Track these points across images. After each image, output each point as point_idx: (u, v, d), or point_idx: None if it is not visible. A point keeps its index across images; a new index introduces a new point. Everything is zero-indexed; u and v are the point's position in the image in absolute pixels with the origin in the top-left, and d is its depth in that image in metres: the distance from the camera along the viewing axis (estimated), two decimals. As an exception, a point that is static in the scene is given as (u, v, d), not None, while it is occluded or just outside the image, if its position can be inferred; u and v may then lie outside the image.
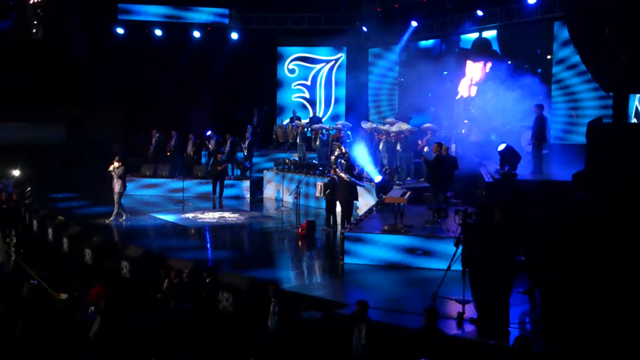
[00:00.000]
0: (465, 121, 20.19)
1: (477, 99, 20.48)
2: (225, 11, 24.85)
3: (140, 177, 21.34)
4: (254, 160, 22.57)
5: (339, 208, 15.07)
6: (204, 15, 24.90)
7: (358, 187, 14.94)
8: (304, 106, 25.84)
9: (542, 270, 8.58)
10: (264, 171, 21.55)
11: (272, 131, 23.99)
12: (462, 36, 21.63)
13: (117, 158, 16.91)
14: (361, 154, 16.30)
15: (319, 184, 18.12)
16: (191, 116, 25.97)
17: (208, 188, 20.35)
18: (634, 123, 13.42)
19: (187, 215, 17.54)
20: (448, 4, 20.35)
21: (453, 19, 21.01)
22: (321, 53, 25.96)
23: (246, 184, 21.01)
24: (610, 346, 7.67)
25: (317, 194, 18.25)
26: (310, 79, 26.07)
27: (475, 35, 21.20)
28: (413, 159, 17.53)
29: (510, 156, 14.15)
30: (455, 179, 14.39)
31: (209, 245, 14.71)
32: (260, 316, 9.32)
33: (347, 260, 12.15)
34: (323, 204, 16.05)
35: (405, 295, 10.58)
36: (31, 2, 25.22)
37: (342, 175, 14.63)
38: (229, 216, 17.57)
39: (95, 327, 9.30)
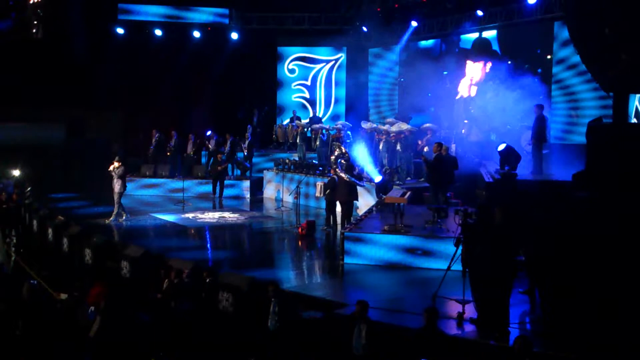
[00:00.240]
0: (465, 121, 20.20)
1: (477, 99, 20.47)
2: (225, 11, 24.85)
3: (140, 177, 21.35)
4: (254, 160, 22.58)
5: (339, 208, 15.07)
6: (204, 15, 24.90)
7: (358, 187, 14.94)
8: (304, 106, 25.85)
9: (543, 270, 8.57)
10: (264, 171, 21.56)
11: (272, 131, 23.99)
12: (462, 36, 21.63)
13: (117, 158, 16.92)
14: (361, 154, 16.30)
15: (319, 184, 18.13)
16: (191, 116, 25.97)
17: (208, 188, 20.35)
18: (634, 123, 13.42)
19: (187, 215, 17.54)
20: (448, 4, 20.35)
21: (453, 19, 21.01)
22: (321, 53, 25.96)
23: (246, 184, 21.01)
24: (610, 346, 7.68)
25: (317, 194, 18.26)
26: (310, 79, 26.08)
27: (475, 35, 21.21)
28: (413, 159, 17.52)
29: (510, 156, 14.15)
30: (456, 179, 14.39)
31: (209, 245, 14.71)
32: (260, 316, 9.32)
33: (347, 260, 12.15)
34: (323, 204, 16.06)
35: (405, 295, 10.58)
36: (31, 2, 25.22)
37: (342, 175, 14.63)
38: (229, 216, 17.57)
39: (95, 327, 9.30)
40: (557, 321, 8.25)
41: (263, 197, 20.96)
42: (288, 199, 18.67)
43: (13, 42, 25.51)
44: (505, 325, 8.24)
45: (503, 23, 19.54)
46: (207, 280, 10.47)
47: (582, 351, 7.52)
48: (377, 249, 12.12)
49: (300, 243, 14.47)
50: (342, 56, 25.91)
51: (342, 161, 14.91)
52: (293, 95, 26.19)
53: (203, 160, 22.51)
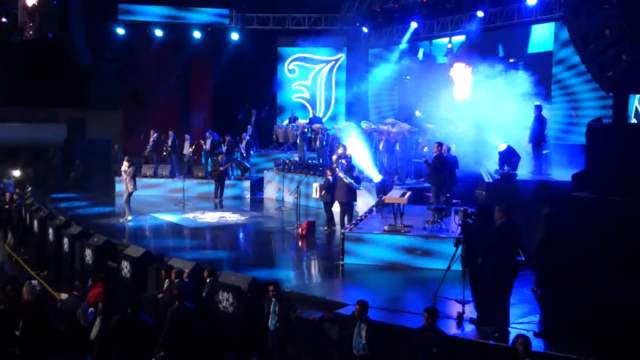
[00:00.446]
0: (465, 121, 20.18)
1: (477, 98, 20.46)
2: (226, 11, 24.89)
3: (141, 177, 21.30)
4: (254, 160, 22.61)
5: (338, 208, 15.07)
6: (204, 15, 24.93)
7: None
8: (304, 106, 25.86)
9: (542, 270, 8.58)
10: (264, 171, 21.57)
11: (272, 131, 24.01)
12: (462, 36, 21.63)
13: (126, 158, 16.98)
14: (361, 154, 16.30)
15: (315, 184, 18.12)
16: (191, 116, 26.01)
17: (208, 188, 20.37)
18: (634, 123, 13.43)
19: (187, 215, 17.55)
20: (448, 4, 20.37)
21: (453, 19, 21.03)
22: (321, 53, 25.98)
23: (246, 184, 21.02)
24: (610, 346, 7.68)
25: (314, 195, 18.26)
26: (310, 79, 26.10)
27: (475, 35, 21.19)
28: (413, 159, 17.52)
29: (510, 156, 14.17)
30: (457, 179, 14.40)
31: (209, 245, 14.70)
32: (261, 316, 9.32)
33: (347, 260, 12.16)
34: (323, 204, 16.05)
35: (405, 295, 10.59)
36: (31, 2, 25.24)
37: (341, 175, 14.63)
38: (229, 216, 17.57)
39: (96, 327, 9.30)
40: (557, 321, 8.25)
41: (263, 197, 20.97)
42: (289, 199, 18.68)
43: (12, 42, 25.55)
44: (505, 325, 8.25)
45: (503, 23, 19.55)
46: (208, 280, 10.47)
47: (582, 351, 7.52)
48: (377, 249, 12.12)
49: (300, 243, 14.47)
50: (342, 56, 25.93)
51: (343, 161, 14.92)
52: (293, 95, 26.20)
53: (203, 160, 22.52)
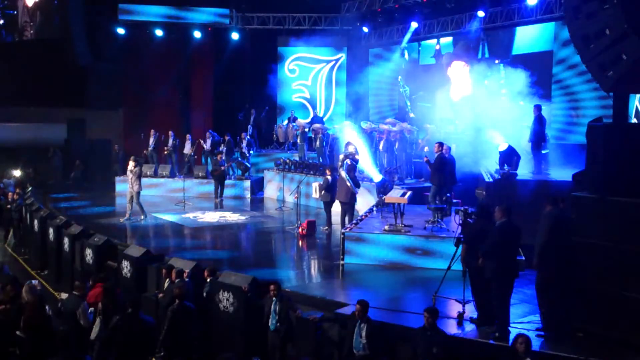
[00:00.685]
0: (463, 121, 20.19)
1: (477, 98, 20.46)
2: (226, 11, 24.90)
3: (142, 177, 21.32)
4: (254, 160, 22.62)
5: (338, 208, 15.06)
6: (204, 15, 24.94)
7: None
8: (304, 106, 25.87)
9: (542, 270, 8.57)
10: (265, 171, 21.57)
11: (272, 131, 24.01)
12: (462, 36, 21.64)
13: (132, 158, 16.99)
14: (361, 154, 16.29)
15: (314, 184, 18.11)
16: (191, 116, 26.02)
17: (208, 188, 20.37)
18: (634, 123, 13.42)
19: (187, 215, 17.55)
20: (448, 4, 20.37)
21: (453, 19, 21.04)
22: (321, 53, 25.99)
23: (246, 183, 21.03)
24: (610, 346, 7.68)
25: (314, 195, 18.25)
26: (310, 79, 26.10)
27: (475, 35, 21.21)
28: (413, 158, 17.52)
29: (511, 156, 14.17)
30: (457, 179, 14.39)
31: (209, 245, 14.71)
32: (261, 316, 9.33)
33: (348, 260, 12.15)
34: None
35: (405, 295, 10.59)
36: (32, 2, 25.26)
37: (343, 174, 14.60)
38: (230, 216, 17.58)
39: (96, 327, 9.31)
40: (558, 321, 8.25)
41: (263, 197, 20.97)
42: (289, 198, 18.68)
43: (12, 43, 25.58)
44: (505, 325, 8.25)
45: (503, 23, 19.56)
46: (208, 280, 10.48)
47: (582, 351, 7.52)
48: (378, 248, 12.12)
49: (300, 243, 14.47)
50: (342, 56, 25.94)
51: (348, 161, 14.89)
52: (293, 95, 26.22)
53: (203, 160, 22.53)
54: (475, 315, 8.84)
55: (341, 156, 15.38)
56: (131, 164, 16.53)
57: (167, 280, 10.72)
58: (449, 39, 21.63)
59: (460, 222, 9.24)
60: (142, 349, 8.37)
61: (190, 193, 20.30)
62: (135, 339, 8.29)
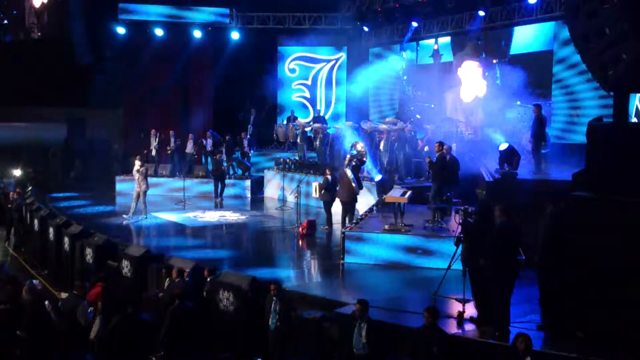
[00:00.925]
0: (464, 120, 20.19)
1: (476, 98, 20.47)
2: (226, 11, 24.87)
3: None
4: (254, 159, 22.62)
5: (339, 207, 15.06)
6: (204, 15, 24.91)
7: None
8: (305, 106, 25.86)
9: (542, 270, 8.58)
10: (265, 170, 21.58)
11: (272, 131, 24.01)
12: (462, 36, 21.62)
13: (138, 157, 16.97)
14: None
15: (314, 184, 18.09)
16: (191, 116, 26.00)
17: (208, 187, 20.37)
18: (634, 123, 13.42)
19: (188, 214, 17.55)
20: (448, 4, 20.35)
21: (453, 19, 21.02)
22: (322, 52, 25.98)
23: (247, 183, 21.03)
24: (610, 346, 7.68)
25: (313, 194, 18.23)
26: (310, 79, 26.09)
27: (475, 34, 21.19)
28: (413, 158, 17.50)
29: (512, 156, 14.15)
30: (459, 179, 14.39)
31: (209, 244, 14.70)
32: (261, 315, 9.33)
33: (348, 259, 12.15)
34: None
35: (405, 295, 10.58)
36: (39, 3, 25.28)
37: (348, 173, 14.54)
38: (230, 215, 17.58)
39: (95, 327, 9.31)
40: (558, 320, 8.25)
41: (264, 197, 20.98)
42: (289, 198, 18.68)
43: (13, 42, 25.59)
44: (505, 325, 8.25)
45: (503, 23, 19.52)
46: (208, 280, 10.48)
47: (582, 350, 7.52)
48: (378, 248, 12.12)
49: (300, 242, 14.48)
50: (342, 56, 25.92)
51: (355, 161, 14.85)
52: (293, 94, 26.20)
53: (203, 159, 22.53)
54: (475, 315, 8.84)
55: (348, 156, 15.34)
56: (137, 164, 16.52)
57: (168, 279, 10.73)
58: (447, 39, 21.57)
59: (461, 221, 9.24)
60: (141, 349, 8.37)
61: (190, 192, 20.30)
62: (135, 338, 8.29)
